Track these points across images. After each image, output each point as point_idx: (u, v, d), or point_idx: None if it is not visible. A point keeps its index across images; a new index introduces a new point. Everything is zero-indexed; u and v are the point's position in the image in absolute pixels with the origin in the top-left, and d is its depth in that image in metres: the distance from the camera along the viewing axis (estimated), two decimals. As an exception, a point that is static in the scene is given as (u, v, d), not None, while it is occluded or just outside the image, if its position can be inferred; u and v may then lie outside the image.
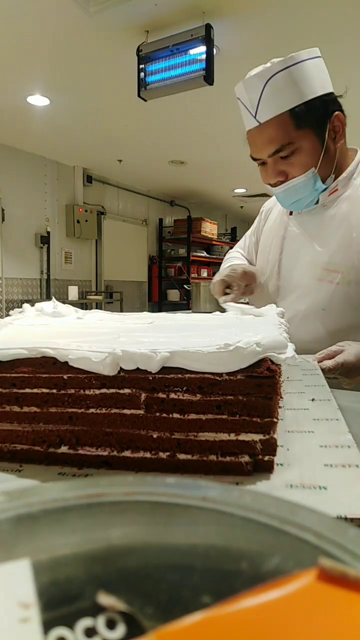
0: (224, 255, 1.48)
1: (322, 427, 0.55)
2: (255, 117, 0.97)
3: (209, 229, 7.41)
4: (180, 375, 0.44)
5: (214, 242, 7.75)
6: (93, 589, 0.18)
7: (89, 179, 5.99)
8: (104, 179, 6.28)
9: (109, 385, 0.46)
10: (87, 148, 5.18)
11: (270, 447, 0.44)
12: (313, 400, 0.66)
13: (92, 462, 0.47)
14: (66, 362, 0.46)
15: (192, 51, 2.73)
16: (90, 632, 0.16)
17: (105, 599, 0.17)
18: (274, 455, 0.44)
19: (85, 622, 0.17)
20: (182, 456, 0.45)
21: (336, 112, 1.00)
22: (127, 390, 0.45)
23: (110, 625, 0.17)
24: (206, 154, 5.25)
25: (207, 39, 2.65)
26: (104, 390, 0.46)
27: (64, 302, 0.81)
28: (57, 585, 0.19)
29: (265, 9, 2.59)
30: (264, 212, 1.33)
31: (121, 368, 0.45)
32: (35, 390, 0.47)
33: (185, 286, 6.85)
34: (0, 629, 0.16)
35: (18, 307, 0.75)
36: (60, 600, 0.18)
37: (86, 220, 5.89)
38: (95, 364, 0.44)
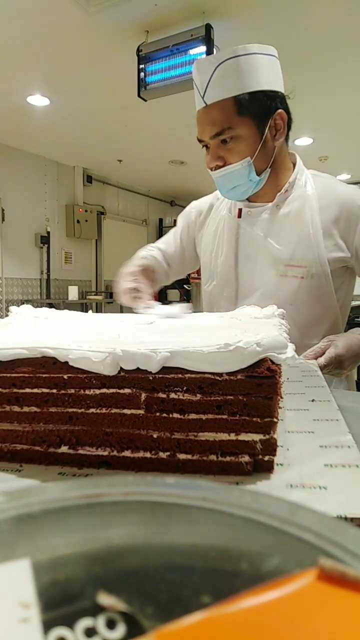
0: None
1: (322, 428, 0.55)
2: (203, 98, 1.02)
3: (209, 229, 7.40)
4: (180, 375, 0.44)
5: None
6: (93, 589, 0.18)
7: (89, 179, 5.99)
8: (104, 179, 6.28)
9: (109, 385, 0.45)
10: (87, 148, 5.18)
11: (271, 447, 0.44)
12: (313, 400, 0.66)
13: (92, 462, 0.47)
14: (66, 362, 0.45)
15: (192, 51, 2.73)
16: (90, 632, 0.16)
17: (105, 599, 0.17)
18: (274, 455, 0.44)
19: (85, 622, 0.17)
20: (182, 456, 0.45)
21: (279, 110, 1.03)
22: (127, 390, 0.45)
23: (110, 625, 0.17)
24: (206, 154, 5.25)
25: (207, 39, 2.65)
26: (104, 390, 0.46)
27: (64, 302, 0.81)
28: (57, 585, 0.19)
29: (265, 9, 2.59)
30: (193, 213, 1.32)
31: (121, 368, 0.45)
32: (35, 390, 0.47)
33: (185, 286, 6.84)
34: (0, 629, 0.16)
35: (18, 307, 0.74)
36: (60, 600, 0.18)
37: (86, 220, 5.89)
38: (96, 363, 0.44)
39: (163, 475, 0.32)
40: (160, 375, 0.44)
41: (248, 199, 1.12)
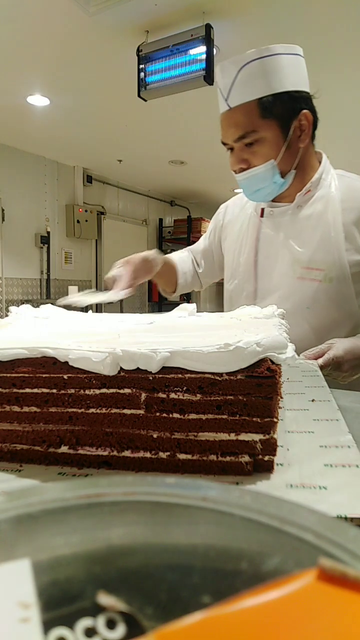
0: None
1: (322, 428, 0.55)
2: (226, 101, 1.01)
3: (209, 229, 7.40)
4: (180, 375, 0.44)
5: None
6: (93, 589, 0.18)
7: (89, 179, 5.98)
8: (104, 179, 6.28)
9: (109, 385, 0.46)
10: (87, 148, 5.17)
11: (271, 447, 0.44)
12: (313, 400, 0.66)
13: (92, 462, 0.47)
14: (66, 362, 0.45)
15: (192, 51, 2.73)
16: (90, 632, 0.16)
17: (105, 599, 0.17)
18: (274, 455, 0.44)
19: (85, 622, 0.17)
20: (182, 456, 0.45)
21: (304, 111, 1.02)
22: (127, 390, 0.45)
23: (110, 625, 0.17)
24: (206, 154, 5.25)
25: (207, 39, 2.65)
26: (104, 390, 0.46)
27: (63, 302, 0.81)
28: (57, 585, 0.19)
29: (265, 9, 2.59)
30: (221, 213, 1.34)
31: (121, 368, 0.45)
32: (35, 390, 0.47)
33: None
34: (0, 629, 0.16)
35: (18, 307, 0.75)
36: (60, 600, 0.18)
37: (86, 220, 5.89)
38: (96, 363, 0.44)
39: (163, 475, 0.32)
40: (160, 375, 0.44)
41: (272, 200, 1.12)
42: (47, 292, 5.57)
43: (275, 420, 0.43)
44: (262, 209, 1.14)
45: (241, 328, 0.58)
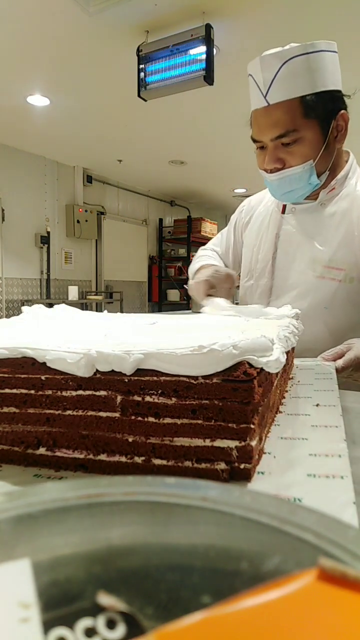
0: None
1: (318, 435, 0.53)
2: (265, 97, 0.95)
3: (209, 229, 7.41)
4: (155, 378, 0.43)
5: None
6: (93, 589, 0.18)
7: (89, 179, 5.99)
8: (104, 179, 6.28)
9: (85, 387, 0.45)
10: (87, 148, 5.18)
11: (247, 454, 0.42)
12: (317, 405, 0.65)
13: (69, 465, 0.46)
14: (44, 363, 0.45)
15: (192, 51, 2.73)
16: (90, 632, 0.16)
17: (105, 599, 0.17)
18: (250, 463, 0.42)
19: (85, 622, 0.17)
20: (157, 461, 0.44)
21: (342, 111, 1.00)
22: (103, 392, 0.44)
23: (110, 625, 0.17)
24: (206, 154, 5.25)
25: (207, 39, 2.65)
26: (80, 392, 0.45)
27: (63, 302, 0.81)
28: (57, 585, 0.19)
29: (265, 9, 2.59)
30: (244, 210, 1.30)
31: (97, 370, 0.44)
32: (14, 391, 0.47)
33: (185, 286, 6.84)
34: (0, 629, 0.16)
35: (18, 307, 0.75)
36: (60, 600, 0.18)
37: (86, 220, 5.89)
38: (71, 365, 0.44)
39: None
40: (136, 378, 0.43)
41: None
42: (47, 292, 5.58)
43: (252, 426, 0.41)
44: (284, 206, 1.11)
45: (240, 329, 0.57)
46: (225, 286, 1.09)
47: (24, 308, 0.74)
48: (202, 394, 0.42)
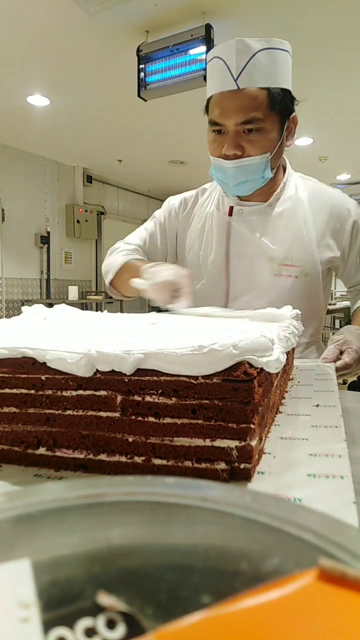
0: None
1: (318, 435, 0.53)
2: (235, 81, 0.94)
3: (209, 229, 7.39)
4: (155, 378, 0.42)
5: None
6: (93, 589, 0.18)
7: (89, 179, 5.98)
8: (104, 179, 6.28)
9: (85, 387, 0.45)
10: (87, 148, 5.17)
11: (247, 454, 0.42)
12: (317, 406, 0.65)
13: (69, 465, 0.46)
14: (44, 363, 0.45)
15: (192, 51, 2.73)
16: (90, 632, 0.16)
17: (105, 599, 0.17)
18: (250, 463, 0.42)
19: (85, 622, 0.17)
20: (157, 461, 0.44)
21: (294, 113, 1.03)
22: (103, 392, 0.44)
23: (110, 625, 0.17)
24: (206, 154, 5.24)
25: (207, 39, 2.65)
26: (80, 392, 0.45)
27: (63, 302, 0.81)
28: (57, 585, 0.19)
29: (265, 9, 2.59)
30: (173, 211, 1.27)
31: (97, 369, 0.44)
32: (14, 391, 0.47)
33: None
34: (0, 629, 0.16)
35: (18, 307, 0.75)
36: (60, 600, 0.18)
37: (86, 220, 5.89)
38: (71, 365, 0.44)
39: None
40: (136, 378, 0.43)
41: (239, 197, 1.10)
42: (47, 292, 5.57)
43: (252, 426, 0.41)
44: (231, 208, 1.11)
45: (241, 329, 0.57)
46: (189, 288, 1.05)
47: (23, 308, 0.74)
48: (202, 393, 0.42)
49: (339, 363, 0.95)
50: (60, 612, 0.17)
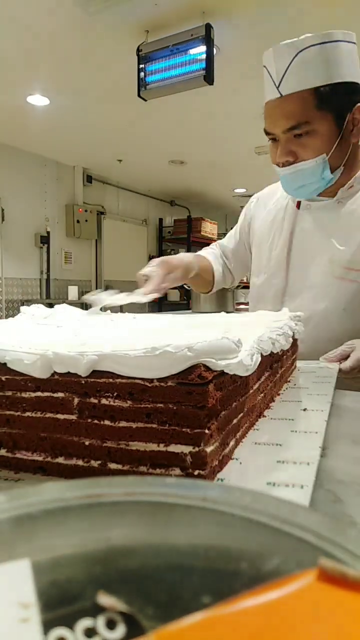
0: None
1: (294, 441, 0.52)
2: (277, 88, 0.94)
3: (209, 228, 7.40)
4: (111, 380, 0.42)
5: (214, 242, 7.74)
6: (93, 589, 0.18)
7: (89, 178, 5.98)
8: (104, 179, 6.28)
9: (43, 388, 0.44)
10: (87, 148, 5.17)
11: (201, 460, 0.40)
12: (305, 410, 0.63)
13: (28, 467, 0.46)
14: (5, 364, 0.45)
15: (192, 51, 2.73)
16: (90, 632, 0.16)
17: (105, 599, 0.17)
18: (205, 469, 0.40)
19: (85, 623, 0.17)
20: (113, 465, 0.43)
21: (359, 104, 0.97)
22: (60, 394, 0.44)
23: (110, 625, 0.17)
24: (206, 154, 5.25)
25: (207, 39, 2.65)
26: (38, 393, 0.45)
27: (63, 302, 0.81)
28: (57, 586, 0.19)
29: (265, 8, 2.59)
30: (253, 204, 1.27)
31: (55, 371, 0.43)
32: None
33: (185, 286, 6.84)
34: (0, 629, 0.16)
35: (18, 307, 0.75)
36: (60, 601, 0.18)
37: (86, 220, 5.88)
38: (27, 366, 0.43)
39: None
40: (92, 380, 0.42)
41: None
42: (47, 292, 5.57)
43: (206, 432, 0.40)
44: (299, 201, 1.09)
45: (222, 328, 0.54)
46: (156, 280, 1.05)
47: (22, 308, 0.74)
48: (157, 397, 0.40)
49: (342, 365, 0.92)
50: (60, 613, 0.17)
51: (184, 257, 1.17)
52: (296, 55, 0.91)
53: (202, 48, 2.68)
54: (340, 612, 0.16)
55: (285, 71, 0.91)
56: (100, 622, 0.17)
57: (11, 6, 2.59)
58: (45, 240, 5.49)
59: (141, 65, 2.90)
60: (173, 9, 2.63)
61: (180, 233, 7.20)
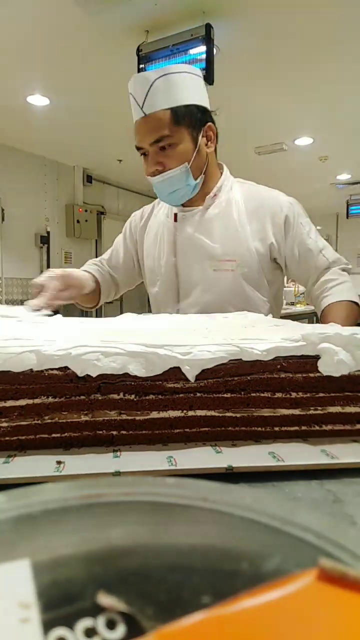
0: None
1: None
2: (142, 109, 1.11)
3: (209, 229, 7.39)
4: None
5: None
6: (93, 589, 0.18)
7: (89, 178, 5.98)
8: (104, 179, 6.28)
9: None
10: (87, 148, 5.17)
11: None
12: None
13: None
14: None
15: (192, 51, 2.73)
16: (90, 632, 0.16)
17: (105, 599, 0.17)
18: None
19: (85, 623, 0.17)
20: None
21: (209, 123, 1.17)
22: None
23: (110, 625, 0.17)
24: (206, 154, 5.24)
25: (207, 39, 2.64)
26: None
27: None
28: (57, 586, 0.19)
29: (265, 9, 2.59)
30: (134, 220, 1.44)
31: None
32: None
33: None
34: (0, 629, 0.16)
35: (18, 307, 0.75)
36: (60, 601, 0.18)
37: (86, 220, 5.88)
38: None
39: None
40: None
41: (182, 205, 1.22)
42: (47, 292, 5.57)
43: None
44: (175, 215, 1.25)
45: (202, 334, 0.61)
46: (51, 290, 1.09)
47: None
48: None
49: None
50: (60, 613, 0.17)
51: (80, 274, 1.29)
52: (153, 82, 1.10)
53: (202, 48, 2.68)
54: (340, 612, 0.16)
55: (146, 96, 1.10)
56: (100, 622, 0.17)
57: (11, 6, 2.59)
58: (45, 240, 5.49)
59: (141, 65, 2.90)
60: (173, 9, 2.63)
61: (180, 233, 7.20)
